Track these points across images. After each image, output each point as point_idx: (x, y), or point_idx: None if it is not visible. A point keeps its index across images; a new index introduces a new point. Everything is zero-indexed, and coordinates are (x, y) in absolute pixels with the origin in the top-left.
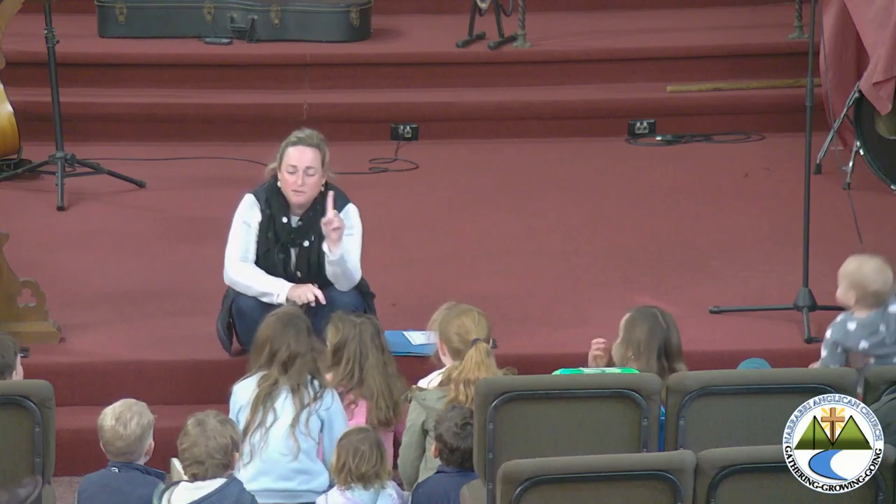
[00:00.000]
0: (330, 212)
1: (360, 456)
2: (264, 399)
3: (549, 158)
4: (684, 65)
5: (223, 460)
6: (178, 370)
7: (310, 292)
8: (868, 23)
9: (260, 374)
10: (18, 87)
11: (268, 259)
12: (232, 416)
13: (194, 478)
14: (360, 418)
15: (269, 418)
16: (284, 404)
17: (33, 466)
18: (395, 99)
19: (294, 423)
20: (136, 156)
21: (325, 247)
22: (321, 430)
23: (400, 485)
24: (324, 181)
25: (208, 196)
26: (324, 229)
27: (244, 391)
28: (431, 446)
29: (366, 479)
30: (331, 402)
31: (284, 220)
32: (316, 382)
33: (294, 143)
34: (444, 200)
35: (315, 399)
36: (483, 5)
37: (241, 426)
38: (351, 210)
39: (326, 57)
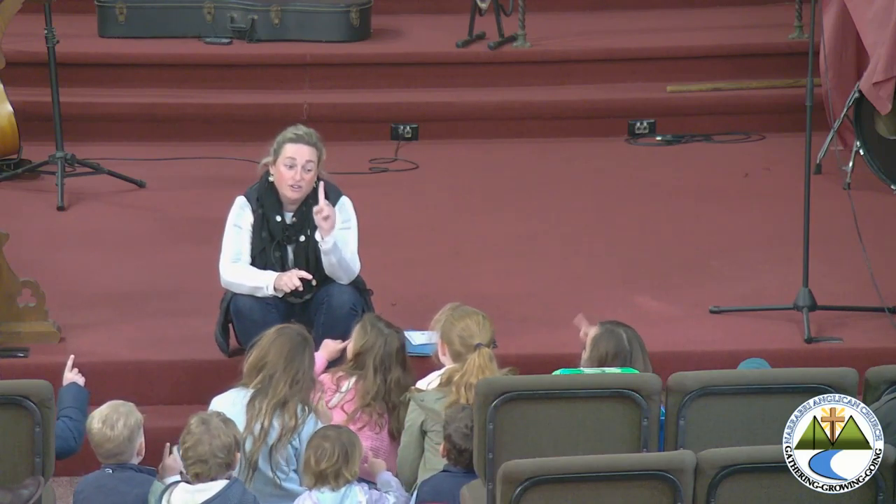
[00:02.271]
0: (321, 201)
1: (320, 452)
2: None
3: (549, 158)
4: (684, 65)
5: (226, 459)
6: (178, 370)
7: (294, 277)
8: (868, 23)
9: (242, 391)
10: (18, 87)
11: (264, 258)
12: None
13: (197, 477)
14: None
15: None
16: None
17: (33, 466)
18: (395, 99)
19: (270, 458)
20: (136, 156)
21: (317, 235)
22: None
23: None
24: (316, 179)
25: (208, 196)
26: (315, 218)
27: (225, 408)
28: (430, 446)
29: (323, 477)
30: (312, 430)
31: (278, 218)
32: (295, 410)
33: (293, 140)
34: (444, 200)
35: (295, 428)
36: (483, 5)
37: None
38: (345, 203)
39: (326, 57)
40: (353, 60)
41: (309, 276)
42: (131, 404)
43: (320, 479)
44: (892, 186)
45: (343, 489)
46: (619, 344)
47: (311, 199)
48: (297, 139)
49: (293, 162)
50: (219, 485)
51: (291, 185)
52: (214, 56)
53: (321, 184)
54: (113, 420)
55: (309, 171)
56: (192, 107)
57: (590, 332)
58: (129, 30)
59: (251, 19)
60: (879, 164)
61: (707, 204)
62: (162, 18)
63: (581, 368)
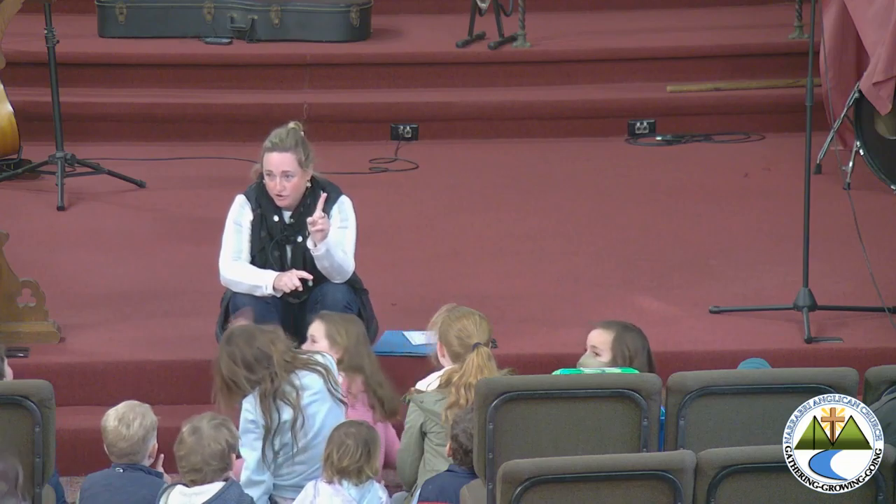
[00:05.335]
0: (317, 212)
1: (343, 450)
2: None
3: (549, 158)
4: (684, 65)
5: (220, 465)
6: (178, 370)
7: (294, 277)
8: (868, 23)
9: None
10: (18, 87)
11: (263, 257)
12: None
13: (193, 482)
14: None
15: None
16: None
17: (33, 466)
18: (395, 99)
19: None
20: (136, 156)
21: (309, 242)
22: None
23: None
24: (309, 178)
25: (208, 196)
26: (309, 228)
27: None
28: (429, 447)
29: (346, 473)
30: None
31: (276, 217)
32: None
33: (269, 149)
34: (444, 200)
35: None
36: (483, 5)
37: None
38: (344, 202)
39: (326, 57)
40: (353, 60)
41: (309, 277)
42: (147, 405)
43: (342, 474)
44: (892, 186)
45: (365, 485)
46: (644, 339)
47: (310, 199)
48: (272, 148)
49: (271, 173)
50: (215, 487)
51: (277, 195)
52: (214, 56)
53: (322, 196)
54: (129, 419)
55: (290, 177)
56: (192, 107)
57: (595, 336)
58: (129, 30)
59: (251, 19)
60: (879, 164)
61: (707, 204)
62: (162, 18)
63: (581, 368)
